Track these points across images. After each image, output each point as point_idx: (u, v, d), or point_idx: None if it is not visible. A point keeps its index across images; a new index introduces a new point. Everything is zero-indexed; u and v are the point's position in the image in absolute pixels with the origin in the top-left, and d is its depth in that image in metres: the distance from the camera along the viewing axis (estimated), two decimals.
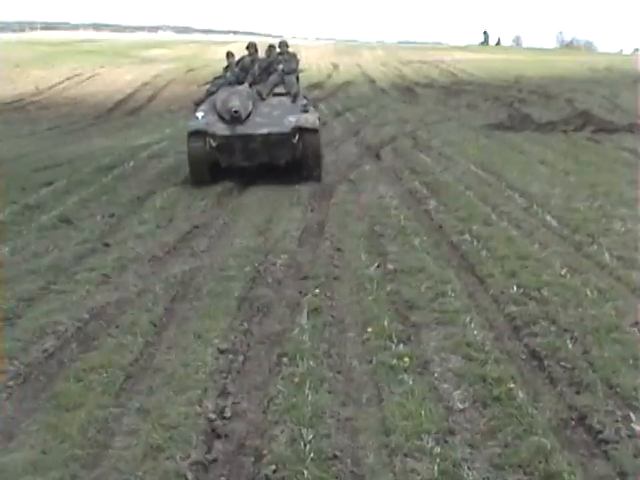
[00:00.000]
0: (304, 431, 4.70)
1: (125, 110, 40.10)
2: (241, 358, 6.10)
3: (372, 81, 49.16)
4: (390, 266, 8.46)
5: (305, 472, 4.27)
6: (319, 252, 9.21)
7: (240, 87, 14.40)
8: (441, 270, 8.30)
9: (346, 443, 4.69)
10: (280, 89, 14.55)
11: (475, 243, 9.35)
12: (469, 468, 4.39)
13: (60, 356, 6.14)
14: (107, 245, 9.63)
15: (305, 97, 14.79)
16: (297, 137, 13.49)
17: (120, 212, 11.72)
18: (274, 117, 13.77)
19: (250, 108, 13.74)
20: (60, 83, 50.54)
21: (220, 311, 7.05)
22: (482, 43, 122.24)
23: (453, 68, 57.64)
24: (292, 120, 13.57)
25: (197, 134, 13.45)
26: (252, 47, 15.27)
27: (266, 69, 14.88)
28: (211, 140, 13.39)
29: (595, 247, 9.11)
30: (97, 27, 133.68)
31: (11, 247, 9.52)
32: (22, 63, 56.93)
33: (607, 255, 8.72)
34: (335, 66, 62.00)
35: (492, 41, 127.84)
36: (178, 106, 40.98)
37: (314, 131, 13.70)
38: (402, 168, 15.47)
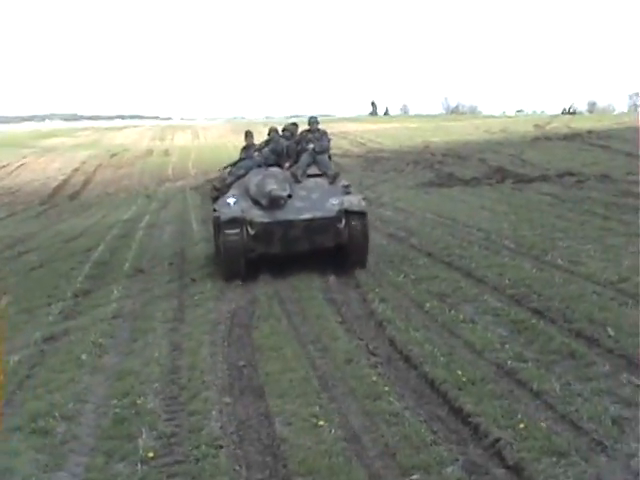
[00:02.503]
0: (411, 331, 8.08)
1: (65, 195, 42.68)
2: (354, 325, 9.46)
3: None
4: (412, 276, 11.91)
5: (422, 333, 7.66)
6: (356, 274, 12.57)
7: (273, 169, 13.39)
8: (449, 275, 11.80)
9: (440, 344, 8.07)
10: (313, 170, 13.55)
11: (463, 260, 12.86)
12: (528, 353, 7.80)
13: (238, 331, 9.45)
14: (194, 280, 12.78)
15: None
16: (344, 222, 12.54)
17: (175, 262, 14.89)
18: (314, 201, 12.74)
19: (288, 191, 12.75)
20: None
21: (319, 305, 10.41)
22: (371, 113, 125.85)
23: (360, 138, 61.72)
24: (335, 203, 12.60)
25: (233, 222, 12.21)
26: (273, 130, 14.59)
27: (294, 149, 13.98)
28: (249, 228, 12.29)
29: (549, 257, 12.71)
30: None
31: (122, 286, 12.64)
32: None
33: (560, 260, 12.32)
34: None
35: (380, 111, 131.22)
36: (114, 189, 44.08)
37: (362, 214, 12.73)
38: (371, 220, 18.95)
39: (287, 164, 13.59)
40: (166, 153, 61.52)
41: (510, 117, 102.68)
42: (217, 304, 10.91)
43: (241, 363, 8.13)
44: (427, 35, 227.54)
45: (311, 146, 13.67)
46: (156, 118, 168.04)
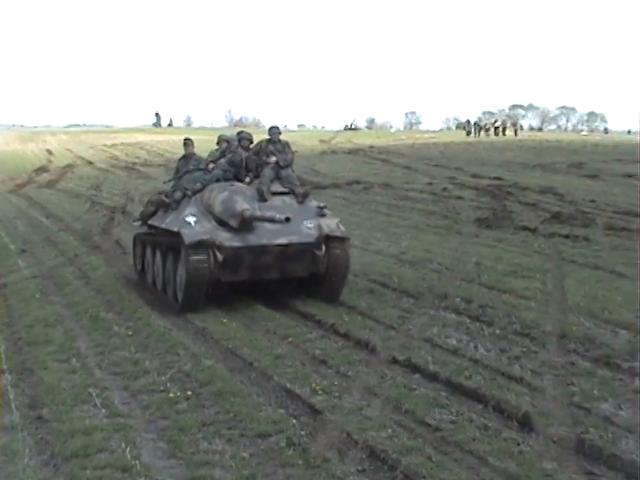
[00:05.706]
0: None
1: None
2: None
3: (90, 163, 53.98)
4: None
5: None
6: None
7: (239, 184, 11.85)
8: None
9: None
10: (276, 186, 12.03)
11: None
12: (343, 291, 12.01)
13: (135, 281, 13.14)
14: (77, 255, 16.18)
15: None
16: (324, 248, 11.32)
17: (47, 245, 18.20)
18: (287, 223, 10.96)
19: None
20: None
21: None
22: (155, 124, 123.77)
23: (156, 149, 64.08)
24: (311, 226, 11.34)
25: (200, 246, 10.77)
26: (223, 140, 13.18)
27: (254, 161, 12.37)
28: (217, 253, 10.84)
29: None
30: None
31: (20, 259, 15.92)
32: None
33: (356, 242, 16.57)
34: (49, 152, 66.76)
35: (164, 122, 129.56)
36: None
37: (343, 240, 11.60)
38: None
39: (247, 179, 12.13)
40: None
41: (293, 131, 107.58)
42: (109, 269, 14.50)
43: (152, 297, 11.93)
44: (209, 48, 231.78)
45: (273, 159, 12.17)
46: None
